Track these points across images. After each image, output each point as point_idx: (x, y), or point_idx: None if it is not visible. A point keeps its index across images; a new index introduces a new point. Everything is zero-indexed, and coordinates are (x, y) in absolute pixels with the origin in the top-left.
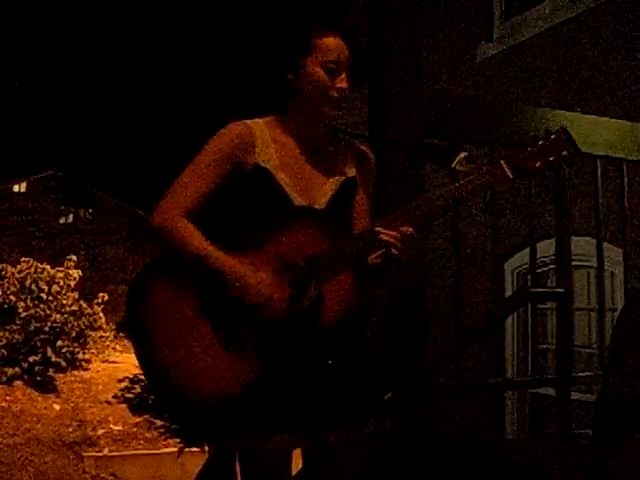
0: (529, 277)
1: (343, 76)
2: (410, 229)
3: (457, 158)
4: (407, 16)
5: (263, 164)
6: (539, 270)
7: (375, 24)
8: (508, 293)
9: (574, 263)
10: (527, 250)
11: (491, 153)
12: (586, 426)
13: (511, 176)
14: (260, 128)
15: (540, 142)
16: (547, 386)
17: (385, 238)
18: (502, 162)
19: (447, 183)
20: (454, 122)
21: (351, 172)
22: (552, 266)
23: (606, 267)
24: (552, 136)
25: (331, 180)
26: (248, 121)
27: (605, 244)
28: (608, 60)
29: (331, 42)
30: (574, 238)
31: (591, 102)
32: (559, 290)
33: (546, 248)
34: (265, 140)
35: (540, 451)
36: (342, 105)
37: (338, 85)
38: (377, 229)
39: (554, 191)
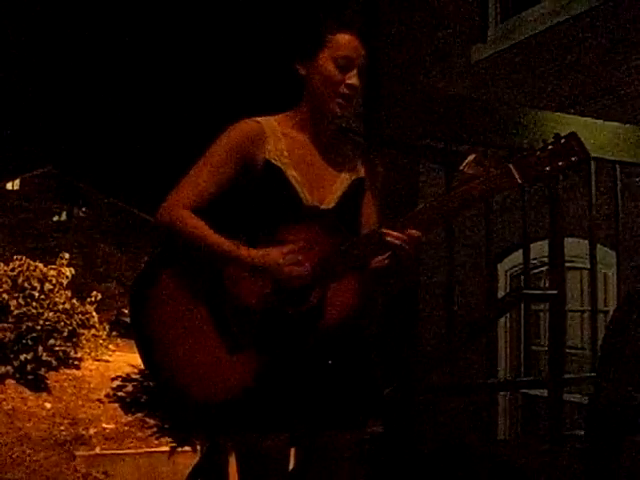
0: (522, 278)
1: (354, 72)
2: (417, 232)
3: (466, 160)
4: (402, 16)
5: (274, 161)
6: (533, 271)
7: (370, 24)
8: (501, 294)
9: (567, 265)
10: (521, 251)
11: (486, 154)
12: (578, 427)
13: (520, 181)
14: (271, 124)
15: (550, 147)
16: (539, 387)
17: (391, 240)
18: (511, 166)
19: (441, 183)
20: (448, 123)
21: (361, 172)
22: (546, 267)
23: (599, 269)
24: (562, 140)
25: (341, 179)
26: (259, 118)
27: (598, 246)
28: (602, 62)
29: (345, 38)
30: (567, 240)
31: (585, 104)
32: (552, 292)
33: (540, 249)
34: (276, 136)
35: (532, 452)
36: (352, 104)
37: (348, 81)
38: (384, 231)
39: (548, 192)
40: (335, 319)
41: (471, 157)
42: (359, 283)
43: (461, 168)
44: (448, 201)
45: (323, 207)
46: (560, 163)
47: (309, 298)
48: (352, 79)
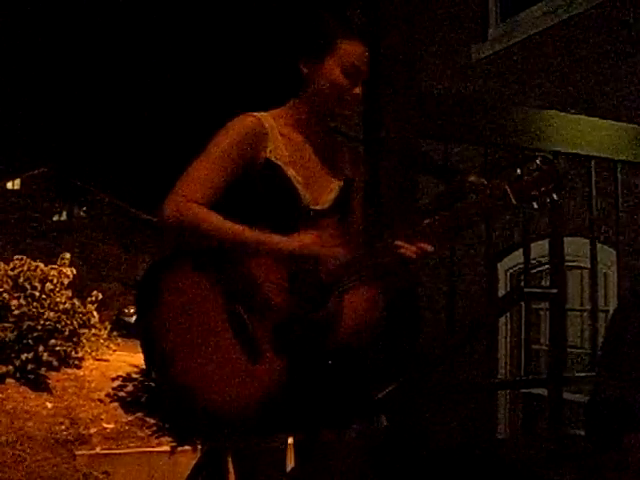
0: (523, 277)
1: (359, 83)
2: (429, 246)
3: (467, 180)
4: (403, 15)
5: (274, 159)
6: (533, 270)
7: (370, 23)
8: (502, 293)
9: (567, 264)
10: (521, 250)
11: (485, 154)
12: (578, 426)
13: (515, 202)
14: (269, 122)
15: (535, 172)
16: (539, 386)
17: (407, 253)
18: (507, 189)
19: (441, 190)
20: (448, 122)
21: (350, 172)
22: (546, 266)
23: (599, 268)
24: (544, 167)
25: (334, 179)
26: (257, 114)
27: (599, 245)
28: (602, 61)
29: (356, 48)
30: (568, 239)
31: (585, 103)
32: (552, 291)
33: (540, 249)
34: (275, 134)
35: (532, 451)
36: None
37: (354, 91)
38: (398, 243)
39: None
40: (352, 327)
41: (471, 177)
42: (375, 292)
43: (462, 182)
44: (452, 219)
45: (319, 208)
46: (543, 188)
47: (327, 304)
48: (358, 89)
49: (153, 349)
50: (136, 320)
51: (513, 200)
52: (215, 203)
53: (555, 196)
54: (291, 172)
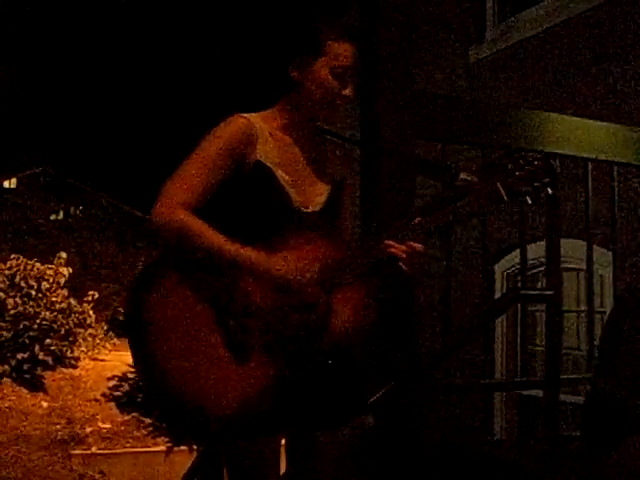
0: (519, 279)
1: (349, 84)
2: (419, 245)
3: (458, 177)
4: (400, 17)
5: (264, 161)
6: (531, 272)
7: (368, 25)
8: (498, 294)
9: (564, 265)
10: (517, 252)
11: (483, 156)
12: (574, 428)
13: (506, 198)
14: (260, 123)
15: (527, 167)
16: (535, 388)
17: (396, 252)
18: (498, 185)
19: (438, 190)
20: (445, 123)
21: (340, 173)
22: (542, 268)
23: (595, 269)
24: (535, 162)
25: (325, 181)
26: (247, 115)
27: (595, 247)
28: (600, 63)
29: (344, 48)
30: (564, 240)
31: (583, 105)
32: (548, 292)
33: (536, 250)
34: (265, 136)
35: (528, 453)
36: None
37: (344, 92)
38: (387, 242)
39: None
40: (344, 327)
41: (463, 174)
42: (368, 292)
43: (454, 183)
44: (442, 216)
45: (310, 210)
46: (535, 184)
47: (316, 308)
48: (348, 91)
49: (141, 352)
50: (124, 323)
51: (504, 196)
52: (205, 205)
53: (550, 190)
54: (282, 174)
